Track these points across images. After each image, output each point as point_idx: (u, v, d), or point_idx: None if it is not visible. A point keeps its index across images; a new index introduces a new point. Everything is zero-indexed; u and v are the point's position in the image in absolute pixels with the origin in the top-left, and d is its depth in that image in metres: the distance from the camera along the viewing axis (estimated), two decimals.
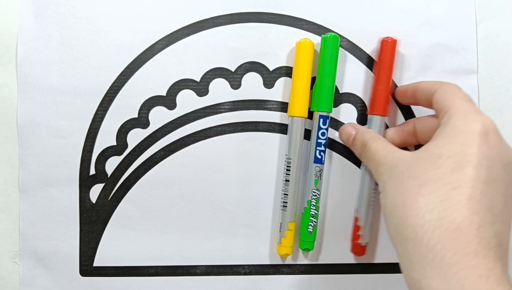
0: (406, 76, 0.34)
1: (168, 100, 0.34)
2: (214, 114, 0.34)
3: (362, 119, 0.34)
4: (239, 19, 0.34)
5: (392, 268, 0.34)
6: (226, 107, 0.34)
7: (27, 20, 0.34)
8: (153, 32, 0.34)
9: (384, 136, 0.32)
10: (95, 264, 0.34)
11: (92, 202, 0.34)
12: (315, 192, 0.33)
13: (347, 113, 0.34)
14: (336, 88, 0.34)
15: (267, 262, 0.35)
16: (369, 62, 0.34)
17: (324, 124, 0.32)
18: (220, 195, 0.34)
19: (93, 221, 0.34)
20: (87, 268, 0.34)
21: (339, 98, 0.34)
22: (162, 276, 0.34)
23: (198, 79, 0.34)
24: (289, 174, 0.33)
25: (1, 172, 0.34)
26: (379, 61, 0.33)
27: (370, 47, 0.34)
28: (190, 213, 0.34)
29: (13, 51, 0.34)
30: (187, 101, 0.34)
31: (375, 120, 0.33)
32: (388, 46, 0.33)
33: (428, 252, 0.21)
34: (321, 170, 0.32)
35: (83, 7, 0.34)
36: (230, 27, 0.34)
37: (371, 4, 0.34)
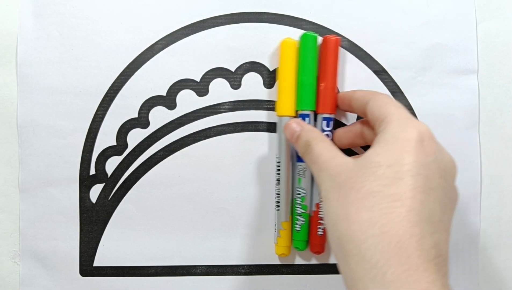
0: (406, 76, 0.34)
1: (168, 100, 0.34)
2: (214, 114, 0.34)
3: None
4: (239, 19, 0.34)
5: None
6: (226, 107, 0.34)
7: (27, 20, 0.34)
8: (153, 32, 0.34)
9: (333, 136, 0.32)
10: (95, 264, 0.34)
11: (92, 202, 0.34)
12: (299, 191, 0.33)
13: (347, 114, 0.34)
14: (337, 88, 0.34)
15: (267, 262, 0.35)
16: (370, 62, 0.34)
17: None
18: (220, 195, 0.34)
19: (93, 221, 0.34)
20: (87, 268, 0.34)
21: None
22: (162, 276, 0.34)
23: (198, 79, 0.34)
24: (279, 174, 0.33)
25: (1, 172, 0.34)
26: (323, 60, 0.32)
27: (371, 47, 0.34)
28: (190, 213, 0.34)
29: (13, 51, 0.34)
30: (187, 101, 0.34)
31: (324, 119, 0.32)
32: (332, 44, 0.32)
33: (371, 268, 0.21)
34: (304, 168, 0.32)
35: (83, 7, 0.34)
36: (230, 27, 0.34)
37: (371, 4, 0.34)
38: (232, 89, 0.34)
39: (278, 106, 0.33)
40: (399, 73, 0.34)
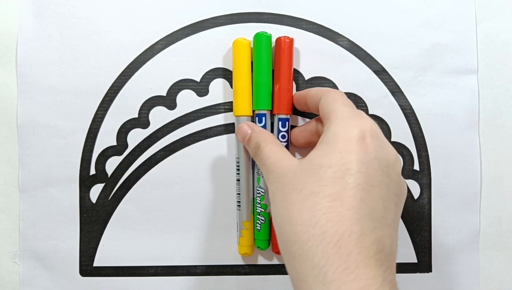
0: (406, 76, 0.34)
1: (168, 100, 0.34)
2: (214, 114, 0.34)
3: None
4: (239, 19, 0.34)
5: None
6: (226, 107, 0.34)
7: (27, 20, 0.34)
8: (153, 32, 0.34)
9: (290, 135, 0.33)
10: (95, 264, 0.34)
11: (92, 202, 0.34)
12: (258, 190, 0.33)
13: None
14: (336, 88, 0.34)
15: (267, 262, 0.35)
16: (370, 62, 0.34)
17: (260, 122, 0.32)
18: (220, 195, 0.34)
19: (93, 221, 0.34)
20: (87, 268, 0.34)
21: None
22: (162, 276, 0.34)
23: (198, 79, 0.34)
24: (239, 174, 0.33)
25: (1, 172, 0.34)
26: (277, 61, 0.32)
27: (371, 47, 0.34)
28: (190, 213, 0.34)
29: (13, 51, 0.34)
30: (187, 101, 0.34)
31: (280, 120, 0.32)
32: (286, 45, 0.32)
33: (313, 268, 0.21)
34: None
35: (83, 7, 0.34)
36: (230, 27, 0.34)
37: (371, 4, 0.34)
38: (232, 89, 0.34)
39: (234, 106, 0.33)
40: (399, 73, 0.34)
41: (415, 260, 0.34)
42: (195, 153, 0.34)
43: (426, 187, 0.34)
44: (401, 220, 0.34)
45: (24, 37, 0.34)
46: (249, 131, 0.30)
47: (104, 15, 0.34)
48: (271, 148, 0.27)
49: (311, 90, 0.30)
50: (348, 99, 0.27)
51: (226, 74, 0.34)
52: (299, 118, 0.34)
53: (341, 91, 0.28)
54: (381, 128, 0.34)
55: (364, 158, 0.23)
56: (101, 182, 0.34)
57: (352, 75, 0.34)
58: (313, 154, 0.24)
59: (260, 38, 0.32)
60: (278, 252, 0.33)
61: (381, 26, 0.34)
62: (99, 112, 0.34)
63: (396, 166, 0.24)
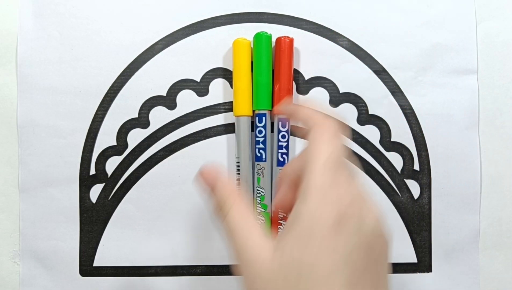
0: (406, 76, 0.34)
1: (168, 100, 0.34)
2: (214, 114, 0.34)
3: (363, 119, 0.34)
4: (239, 19, 0.34)
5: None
6: (226, 107, 0.34)
7: (27, 20, 0.34)
8: (153, 32, 0.34)
9: (275, 205, 0.27)
10: (95, 264, 0.34)
11: (92, 202, 0.34)
12: (258, 190, 0.33)
13: (347, 113, 0.34)
14: (336, 88, 0.34)
15: None
16: (370, 62, 0.34)
17: (260, 122, 0.32)
18: None
19: (93, 221, 0.34)
20: (87, 268, 0.34)
21: (339, 98, 0.34)
22: (162, 276, 0.34)
23: (198, 79, 0.34)
24: (239, 174, 0.33)
25: (1, 172, 0.34)
26: (277, 61, 0.33)
27: (371, 47, 0.34)
28: (190, 213, 0.34)
29: (13, 51, 0.34)
30: (187, 101, 0.34)
31: (280, 120, 0.33)
32: (286, 45, 0.32)
33: None
34: (262, 168, 0.33)
35: (83, 7, 0.34)
36: (230, 27, 0.34)
37: (371, 4, 0.34)
38: (232, 89, 0.34)
39: (234, 106, 0.33)
40: (399, 73, 0.34)
41: (415, 260, 0.34)
42: (195, 153, 0.34)
43: (426, 187, 0.34)
44: (401, 220, 0.34)
45: (24, 37, 0.34)
46: (215, 178, 0.24)
47: (104, 15, 0.34)
48: (239, 216, 0.22)
49: (301, 112, 0.24)
50: (338, 146, 0.21)
51: (226, 74, 0.34)
52: None
53: (334, 126, 0.22)
54: (381, 128, 0.34)
55: (342, 252, 0.19)
56: (101, 182, 0.34)
57: (352, 75, 0.34)
58: (288, 246, 0.20)
59: (260, 38, 0.32)
60: None
61: (381, 26, 0.34)
62: (99, 112, 0.34)
63: (375, 228, 0.20)
